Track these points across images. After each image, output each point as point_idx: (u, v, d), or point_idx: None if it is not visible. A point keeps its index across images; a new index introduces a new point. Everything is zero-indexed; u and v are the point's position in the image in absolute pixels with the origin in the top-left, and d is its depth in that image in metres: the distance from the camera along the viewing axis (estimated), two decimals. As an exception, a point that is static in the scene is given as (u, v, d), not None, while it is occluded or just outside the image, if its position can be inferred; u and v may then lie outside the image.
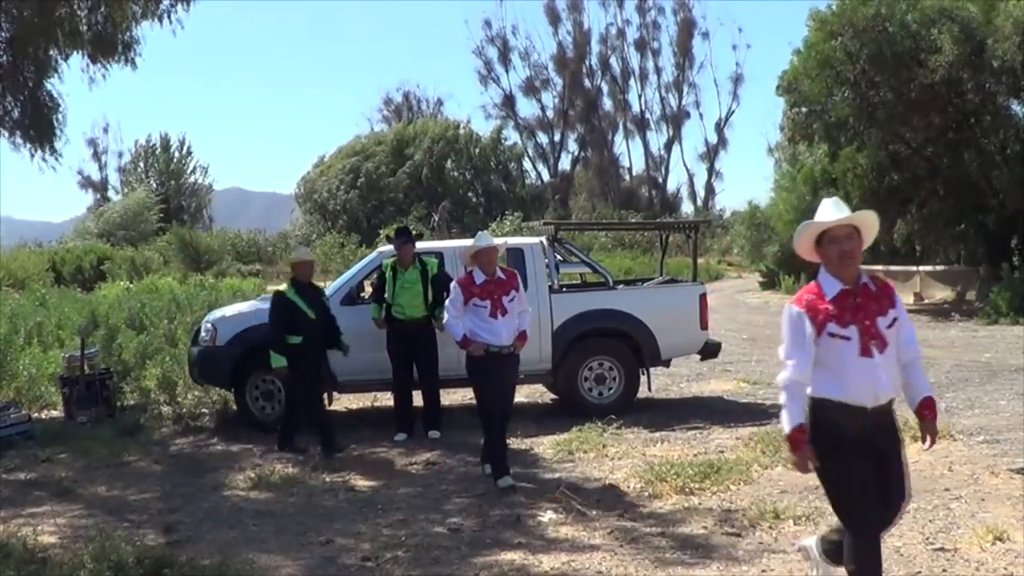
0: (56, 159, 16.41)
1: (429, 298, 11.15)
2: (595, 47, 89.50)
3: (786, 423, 5.01)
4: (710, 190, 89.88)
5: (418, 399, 11.36)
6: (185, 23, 15.13)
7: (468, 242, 12.73)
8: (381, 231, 53.44)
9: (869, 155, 27.22)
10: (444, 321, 8.95)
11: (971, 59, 23.66)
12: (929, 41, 24.20)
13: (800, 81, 26.58)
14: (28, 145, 15.92)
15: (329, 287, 12.53)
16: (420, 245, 12.10)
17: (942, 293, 29.34)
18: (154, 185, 77.42)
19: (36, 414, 12.58)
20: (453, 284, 8.93)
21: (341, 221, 69.53)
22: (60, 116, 16.18)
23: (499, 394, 8.80)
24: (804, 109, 27.33)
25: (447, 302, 8.89)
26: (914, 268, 30.78)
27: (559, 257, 12.99)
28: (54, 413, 12.94)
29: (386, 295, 11.28)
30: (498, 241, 9.59)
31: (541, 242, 12.36)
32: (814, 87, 26.05)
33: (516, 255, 12.11)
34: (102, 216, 67.57)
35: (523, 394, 13.29)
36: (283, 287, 10.48)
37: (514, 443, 10.40)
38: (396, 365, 11.25)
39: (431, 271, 11.28)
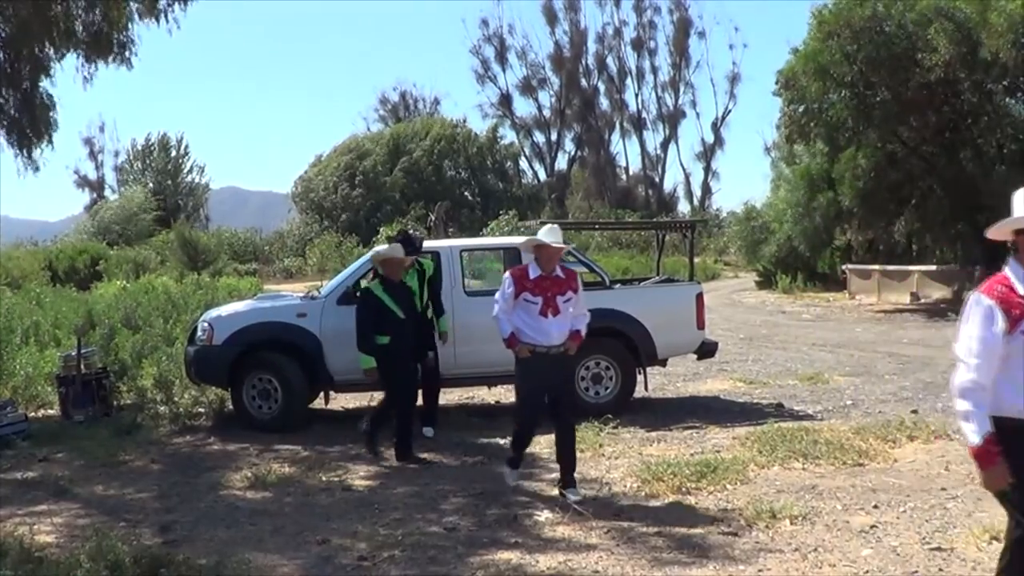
0: (36, 165, 16.43)
1: (424, 299, 10.94)
2: (592, 46, 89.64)
3: (972, 434, 4.52)
4: (706, 189, 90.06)
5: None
6: (182, 23, 15.16)
7: (468, 241, 12.76)
8: (380, 230, 53.48)
9: (866, 155, 27.23)
10: (494, 314, 8.19)
11: (967, 58, 23.68)
12: (925, 41, 24.22)
13: (798, 78, 26.59)
14: (20, 144, 15.91)
15: (325, 286, 12.55)
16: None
17: (939, 293, 29.34)
18: (151, 184, 77.46)
19: (33, 413, 12.56)
20: (506, 275, 8.30)
21: (341, 220, 69.53)
22: (54, 117, 16.19)
23: (538, 399, 8.18)
24: (802, 107, 27.33)
25: (497, 293, 8.26)
26: (911, 268, 30.78)
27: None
28: (51, 412, 12.93)
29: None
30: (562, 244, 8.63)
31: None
32: (812, 86, 26.06)
33: (512, 254, 12.11)
34: (97, 215, 67.56)
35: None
36: (371, 284, 10.07)
37: (510, 442, 10.41)
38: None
39: (428, 272, 11.08)
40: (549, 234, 8.28)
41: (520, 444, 8.48)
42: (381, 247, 11.91)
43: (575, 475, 8.21)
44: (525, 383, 8.21)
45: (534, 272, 8.08)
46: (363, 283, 11.06)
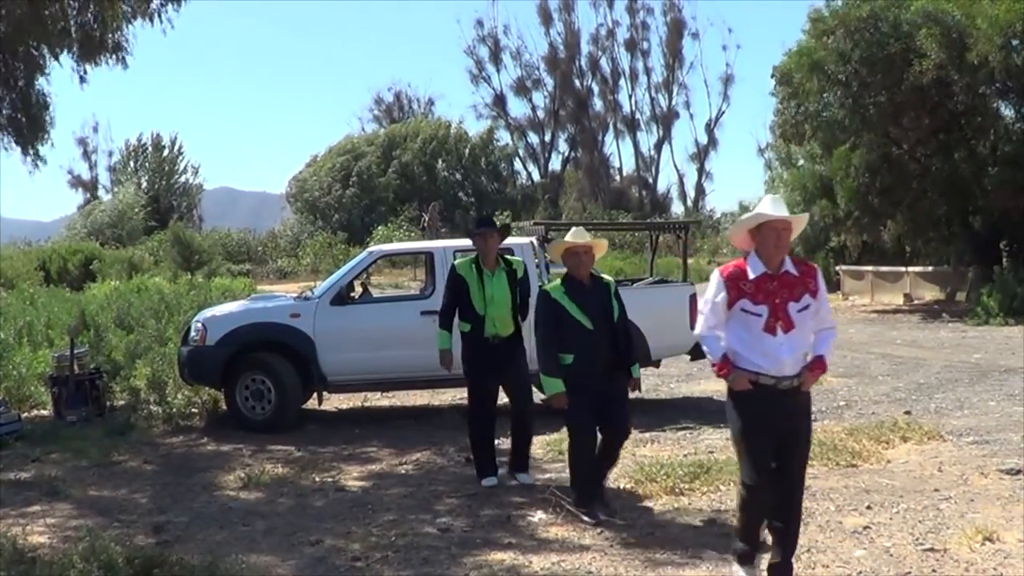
0: (38, 163, 16.45)
1: (514, 306, 8.80)
2: (585, 48, 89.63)
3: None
4: (700, 190, 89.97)
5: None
6: (175, 23, 15.19)
7: (462, 242, 12.74)
8: (374, 230, 53.48)
9: (861, 156, 27.27)
10: (697, 332, 5.94)
11: (957, 61, 23.73)
12: (916, 44, 24.26)
13: (793, 75, 26.63)
14: (17, 144, 15.93)
15: (318, 287, 12.54)
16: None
17: (932, 294, 29.42)
18: (144, 184, 77.37)
19: (26, 414, 12.54)
20: (714, 277, 5.83)
21: (334, 219, 69.54)
22: (49, 116, 16.21)
23: (764, 455, 5.77)
24: (797, 106, 27.35)
25: (701, 303, 5.93)
26: (904, 269, 30.83)
27: (549, 257, 12.99)
28: (43, 413, 12.90)
29: (475, 308, 8.66)
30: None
31: (531, 242, 12.35)
32: (807, 84, 26.10)
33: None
34: (90, 215, 67.46)
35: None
36: (550, 287, 7.79)
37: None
38: (479, 399, 8.84)
39: (518, 273, 8.89)
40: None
41: (750, 530, 6.04)
42: (376, 247, 11.85)
43: None
44: (744, 429, 5.81)
45: (755, 269, 5.70)
46: (544, 284, 9.07)
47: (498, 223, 9.37)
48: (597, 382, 7.42)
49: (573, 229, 7.72)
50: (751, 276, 5.66)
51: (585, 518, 7.36)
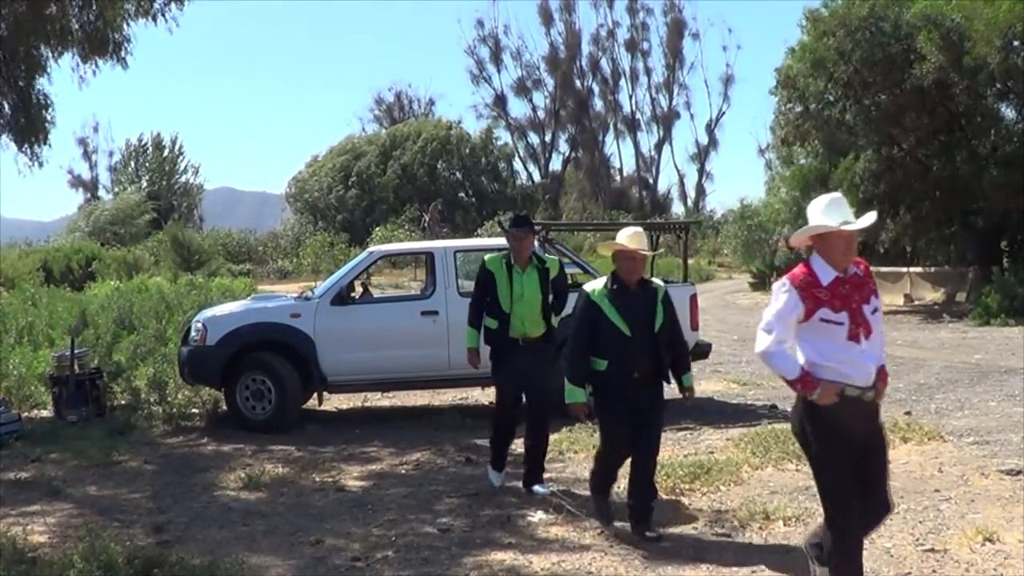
0: (38, 163, 16.46)
1: (545, 307, 8.44)
2: (586, 48, 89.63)
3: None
4: (700, 191, 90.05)
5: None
6: (180, 22, 15.19)
7: (462, 242, 12.69)
8: (373, 230, 53.49)
9: (864, 158, 27.29)
10: (763, 349, 5.20)
11: (957, 63, 23.74)
12: (916, 45, 24.28)
13: (796, 78, 26.64)
14: (18, 144, 15.93)
15: (318, 287, 12.54)
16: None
17: (932, 294, 29.42)
18: (144, 184, 77.37)
19: (26, 414, 12.53)
20: (783, 288, 5.22)
21: (337, 220, 69.53)
22: (50, 116, 16.21)
23: (847, 476, 5.18)
24: (799, 107, 27.37)
25: (768, 315, 5.20)
26: (904, 269, 30.84)
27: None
28: (44, 413, 12.89)
29: (502, 305, 8.31)
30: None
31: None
32: (810, 85, 26.11)
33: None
34: (91, 215, 67.44)
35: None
36: (593, 290, 7.06)
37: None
38: (505, 397, 8.55)
39: (552, 272, 8.54)
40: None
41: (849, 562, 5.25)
42: (376, 247, 11.81)
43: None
44: (829, 447, 5.19)
45: (826, 274, 5.17)
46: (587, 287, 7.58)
47: (525, 221, 8.81)
48: (632, 391, 6.88)
49: (630, 230, 7.13)
50: (824, 282, 5.12)
51: (607, 528, 7.16)
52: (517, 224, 8.50)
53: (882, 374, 5.30)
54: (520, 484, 8.51)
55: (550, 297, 8.43)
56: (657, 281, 7.30)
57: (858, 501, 5.16)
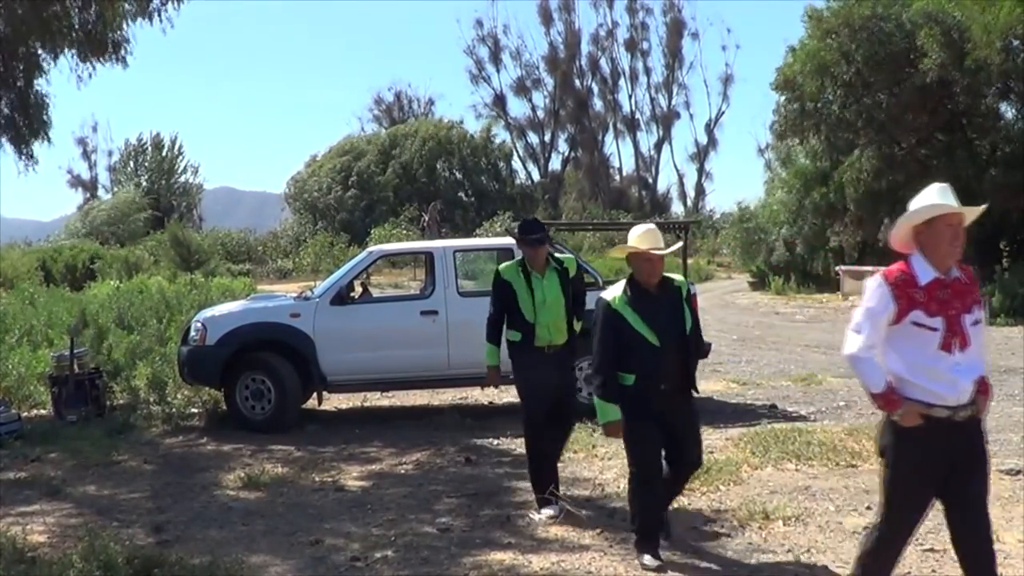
0: (30, 164, 16.49)
1: (567, 311, 7.85)
2: (585, 48, 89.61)
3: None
4: (700, 191, 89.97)
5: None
6: (175, 22, 15.19)
7: (461, 242, 12.63)
8: (372, 230, 53.48)
9: (865, 157, 27.30)
10: (851, 352, 4.86)
11: (959, 62, 23.76)
12: (918, 43, 24.30)
13: (796, 78, 26.66)
14: (17, 144, 15.95)
15: (318, 287, 12.54)
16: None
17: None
18: (144, 184, 77.34)
19: (25, 413, 12.53)
20: (876, 283, 4.84)
21: (336, 220, 69.53)
22: (47, 116, 16.23)
23: (914, 511, 4.94)
24: (798, 106, 27.38)
25: (859, 314, 4.86)
26: (904, 269, 30.80)
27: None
28: (43, 412, 12.89)
29: (525, 315, 7.71)
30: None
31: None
32: (810, 85, 26.12)
33: (506, 255, 12.11)
34: (89, 215, 67.42)
35: (512, 395, 13.28)
36: (612, 298, 6.39)
37: (503, 443, 10.42)
38: (535, 415, 7.81)
39: (571, 272, 7.97)
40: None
41: None
42: (376, 247, 11.76)
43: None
44: (904, 474, 4.87)
45: (924, 274, 4.76)
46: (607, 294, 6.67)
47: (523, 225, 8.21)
48: (663, 405, 6.27)
49: (642, 229, 6.49)
50: (921, 282, 4.71)
51: (646, 559, 6.36)
52: (529, 230, 7.87)
53: (983, 387, 4.82)
54: (519, 483, 8.52)
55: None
56: (677, 277, 6.60)
57: (954, 532, 4.95)
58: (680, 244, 6.91)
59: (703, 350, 6.75)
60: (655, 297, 6.31)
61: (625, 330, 6.22)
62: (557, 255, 8.03)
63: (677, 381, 6.32)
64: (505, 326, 7.85)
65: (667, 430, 6.31)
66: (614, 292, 6.39)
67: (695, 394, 6.54)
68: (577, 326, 7.88)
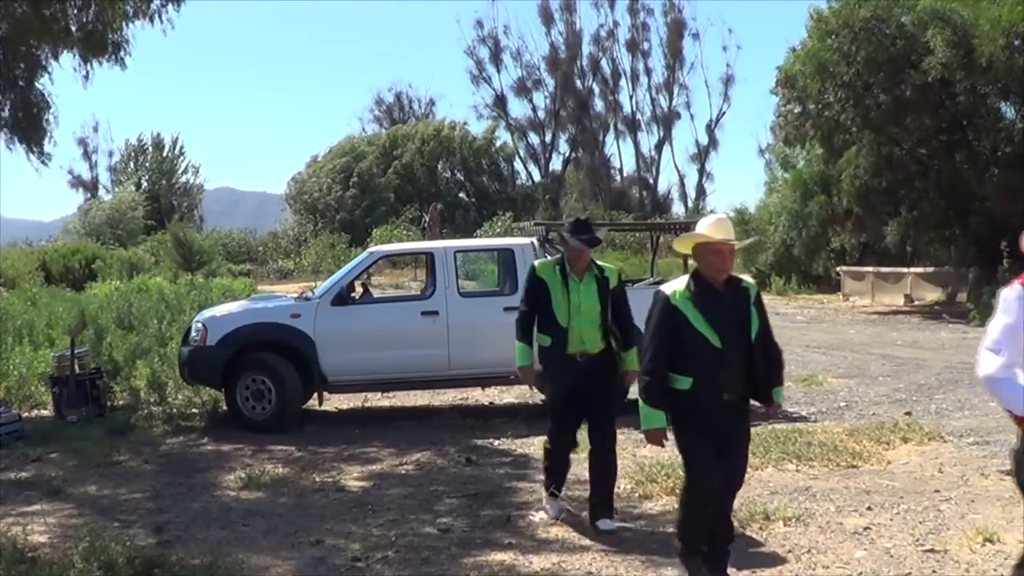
0: (45, 161, 16.51)
1: (606, 320, 7.38)
2: (586, 48, 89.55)
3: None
4: (701, 191, 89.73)
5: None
6: (176, 23, 15.22)
7: (462, 243, 12.61)
8: (372, 230, 53.46)
9: (864, 156, 27.29)
10: (988, 374, 4.56)
11: (963, 61, 23.76)
12: (922, 43, 24.29)
13: (797, 78, 26.66)
14: (19, 145, 15.98)
15: (319, 287, 12.53)
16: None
17: (933, 295, 29.38)
18: (144, 184, 77.31)
19: (26, 413, 12.52)
20: (1014, 291, 4.38)
21: (336, 220, 69.52)
22: (51, 116, 16.25)
23: None
24: (798, 108, 27.38)
25: (995, 330, 4.45)
26: (905, 269, 30.80)
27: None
28: (44, 413, 12.89)
29: (558, 319, 7.32)
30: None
31: (532, 243, 12.33)
32: (810, 86, 26.12)
33: (506, 256, 12.12)
34: (88, 215, 67.41)
35: (513, 395, 13.32)
36: (673, 292, 5.81)
37: (504, 444, 10.42)
38: (562, 422, 7.54)
39: (611, 282, 7.48)
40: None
41: None
42: (376, 248, 11.76)
43: None
44: None
45: None
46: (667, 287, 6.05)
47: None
48: (721, 415, 5.70)
49: (713, 218, 5.98)
50: None
51: (687, 573, 5.95)
52: (581, 230, 7.40)
53: None
54: (520, 484, 8.52)
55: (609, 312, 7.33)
56: (746, 277, 6.04)
57: None
58: (755, 239, 6.20)
59: (779, 357, 5.99)
60: (721, 295, 5.71)
61: (684, 328, 5.63)
62: (600, 263, 7.53)
63: (741, 392, 5.74)
64: (536, 328, 7.46)
65: (719, 445, 5.73)
66: (675, 286, 5.83)
67: (776, 403, 5.91)
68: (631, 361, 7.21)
